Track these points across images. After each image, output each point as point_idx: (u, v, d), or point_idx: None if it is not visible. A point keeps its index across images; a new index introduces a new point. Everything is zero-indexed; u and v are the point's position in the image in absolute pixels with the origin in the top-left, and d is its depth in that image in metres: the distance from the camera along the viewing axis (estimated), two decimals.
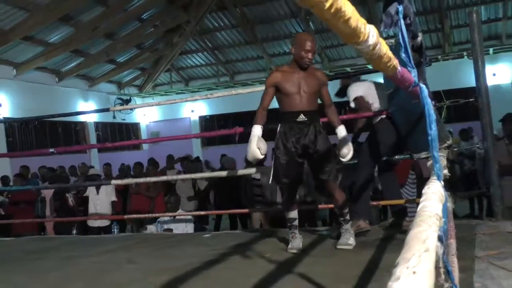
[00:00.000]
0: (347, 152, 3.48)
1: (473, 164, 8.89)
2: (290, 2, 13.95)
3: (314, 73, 3.60)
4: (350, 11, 0.84)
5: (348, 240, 3.56)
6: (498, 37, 14.20)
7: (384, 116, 4.07)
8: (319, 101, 3.66)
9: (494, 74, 13.66)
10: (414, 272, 0.61)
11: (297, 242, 3.65)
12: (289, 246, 3.63)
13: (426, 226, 0.83)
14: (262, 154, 3.55)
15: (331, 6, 0.75)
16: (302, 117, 3.53)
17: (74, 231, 7.38)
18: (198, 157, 9.93)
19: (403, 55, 1.67)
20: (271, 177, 3.66)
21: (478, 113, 4.08)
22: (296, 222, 3.74)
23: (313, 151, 3.52)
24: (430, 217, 0.90)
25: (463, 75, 13.35)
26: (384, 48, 1.22)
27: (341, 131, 3.55)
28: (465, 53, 13.50)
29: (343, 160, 3.52)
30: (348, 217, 3.64)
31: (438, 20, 14.01)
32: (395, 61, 1.45)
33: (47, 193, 8.10)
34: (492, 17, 13.80)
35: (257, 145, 3.54)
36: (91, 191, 7.90)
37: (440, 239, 0.87)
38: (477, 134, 10.01)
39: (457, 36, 14.61)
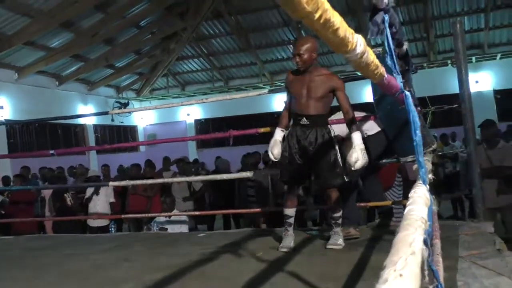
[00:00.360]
0: (354, 161, 3.26)
1: (454, 166, 8.94)
2: (283, 11, 13.97)
3: (324, 77, 3.51)
4: (338, 21, 0.84)
5: (337, 241, 3.55)
6: (480, 46, 14.30)
7: (379, 129, 4.01)
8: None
9: (476, 82, 13.75)
10: (400, 275, 0.61)
11: (288, 240, 3.63)
12: (281, 244, 3.62)
13: (412, 230, 0.83)
14: (275, 158, 3.55)
15: (320, 17, 0.75)
16: (304, 121, 3.54)
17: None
18: (196, 159, 9.89)
19: (388, 61, 1.67)
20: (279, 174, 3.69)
21: (461, 118, 4.09)
22: (290, 220, 3.71)
23: (311, 155, 3.48)
24: (416, 220, 0.89)
25: (447, 82, 13.42)
26: (371, 56, 1.22)
27: (354, 138, 3.35)
28: (449, 61, 13.57)
29: (352, 168, 3.32)
30: (339, 221, 3.62)
31: (424, 30, 14.09)
32: (381, 69, 1.45)
33: (47, 193, 8.05)
34: (475, 27, 13.91)
35: (271, 149, 3.53)
36: (91, 192, 7.85)
37: (425, 242, 0.87)
38: (460, 138, 10.07)
39: (442, 45, 14.70)
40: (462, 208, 8.49)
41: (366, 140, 3.65)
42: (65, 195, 7.67)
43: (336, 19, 0.83)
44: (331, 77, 3.53)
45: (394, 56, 1.78)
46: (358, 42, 1.03)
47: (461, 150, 6.31)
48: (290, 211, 3.72)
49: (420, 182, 1.57)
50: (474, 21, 13.75)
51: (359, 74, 4.18)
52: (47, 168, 9.81)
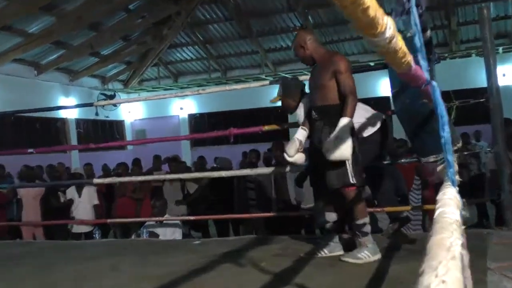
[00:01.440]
0: (327, 149, 3.22)
1: (478, 168, 8.94)
2: None
3: (326, 61, 3.53)
4: None
5: (359, 253, 3.44)
6: (508, 35, 14.27)
7: (376, 129, 3.97)
8: None
9: (504, 75, 13.71)
10: (443, 281, 0.60)
11: (330, 246, 3.65)
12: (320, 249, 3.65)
13: (448, 233, 0.82)
14: (289, 157, 3.60)
15: None
16: (314, 114, 3.55)
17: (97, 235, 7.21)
18: (202, 156, 9.84)
19: (416, 43, 1.66)
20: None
21: (487, 115, 4.08)
22: (329, 226, 3.71)
23: (319, 151, 3.44)
24: (451, 223, 0.89)
25: (471, 74, 13.43)
26: (400, 42, 1.21)
27: (339, 123, 3.28)
28: (473, 52, 13.56)
29: (328, 158, 3.25)
30: (365, 229, 3.49)
31: (444, 16, 14.06)
32: (409, 57, 1.44)
33: (25, 194, 8.04)
34: (502, 14, 13.87)
35: (287, 148, 3.59)
36: (72, 194, 7.85)
37: (463, 246, 0.86)
38: (485, 137, 10.06)
39: (465, 34, 14.66)
40: (485, 215, 8.48)
41: (360, 142, 3.61)
42: (59, 193, 7.72)
43: None
44: (331, 59, 3.52)
45: (422, 38, 1.77)
46: (388, 24, 1.02)
47: (488, 149, 6.29)
48: (327, 216, 3.71)
49: (449, 183, 1.56)
50: (501, 8, 13.72)
51: (372, 64, 4.16)
52: (26, 166, 9.75)
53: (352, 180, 3.42)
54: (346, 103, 3.37)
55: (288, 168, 4.65)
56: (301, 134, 3.64)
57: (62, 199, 7.81)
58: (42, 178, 9.18)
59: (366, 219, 3.51)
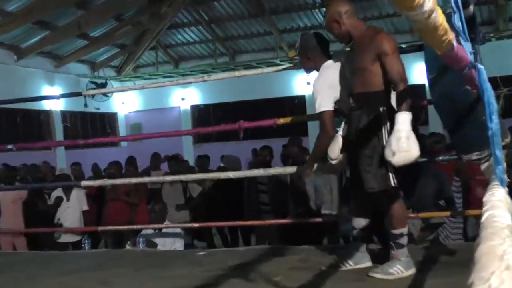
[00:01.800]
0: (391, 153, 3.14)
1: None
2: None
3: (368, 40, 3.45)
4: None
5: (390, 268, 3.41)
6: None
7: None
8: None
9: None
10: None
11: (357, 257, 3.65)
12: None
13: (500, 240, 0.80)
14: (332, 159, 3.56)
15: None
16: (351, 102, 3.54)
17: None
18: (206, 155, 9.84)
19: (456, 22, 1.64)
20: None
21: None
22: (356, 233, 3.70)
23: (352, 146, 3.49)
24: (502, 229, 0.87)
25: None
26: (440, 17, 1.19)
27: (398, 120, 3.19)
28: None
29: (392, 164, 3.22)
30: (402, 240, 3.46)
31: None
32: (451, 35, 1.42)
33: (3, 198, 8.08)
34: None
35: (330, 150, 3.57)
36: (58, 197, 7.89)
37: None
38: None
39: None
40: None
41: None
42: (46, 196, 7.77)
43: None
44: (374, 38, 3.43)
45: (463, 15, 1.75)
46: None
47: None
48: (355, 222, 3.71)
49: (497, 183, 1.54)
50: None
51: (405, 47, 4.12)
52: (4, 165, 9.80)
53: (393, 182, 3.38)
54: (399, 94, 3.31)
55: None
56: (344, 130, 3.62)
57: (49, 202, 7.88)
58: (27, 179, 9.22)
59: (405, 230, 3.48)
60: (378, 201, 3.53)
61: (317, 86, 3.71)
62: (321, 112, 3.66)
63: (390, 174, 3.35)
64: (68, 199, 7.79)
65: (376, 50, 3.38)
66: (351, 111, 3.54)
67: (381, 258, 3.60)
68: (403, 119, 3.18)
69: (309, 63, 3.92)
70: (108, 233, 7.83)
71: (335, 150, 3.52)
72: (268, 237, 7.07)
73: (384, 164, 3.32)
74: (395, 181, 3.37)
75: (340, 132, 3.59)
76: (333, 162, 3.56)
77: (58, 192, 7.90)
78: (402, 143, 3.11)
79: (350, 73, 3.57)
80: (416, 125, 3.99)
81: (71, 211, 7.77)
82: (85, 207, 7.99)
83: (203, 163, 9.22)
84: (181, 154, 10.86)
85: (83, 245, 7.22)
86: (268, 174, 5.53)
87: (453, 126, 3.90)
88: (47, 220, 7.65)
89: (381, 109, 3.40)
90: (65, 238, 7.75)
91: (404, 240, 3.47)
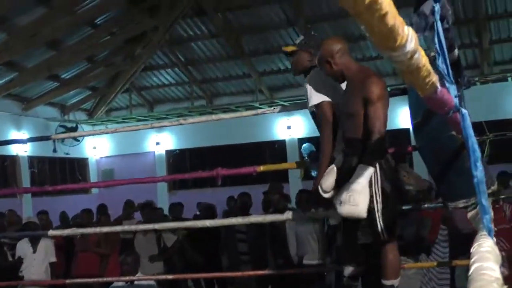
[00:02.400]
0: (338, 202, 3.27)
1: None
2: (286, 7, 14.15)
3: (359, 83, 3.51)
4: (387, 3, 0.82)
5: None
6: None
7: None
8: None
9: None
10: None
11: None
12: None
13: None
14: (323, 192, 3.51)
15: None
16: (344, 148, 3.58)
17: None
18: (179, 203, 9.80)
19: (440, 65, 1.67)
20: None
21: None
22: (346, 281, 3.64)
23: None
24: (491, 282, 0.87)
25: (506, 102, 13.55)
26: (423, 58, 1.21)
27: (358, 172, 3.28)
28: (509, 75, 13.69)
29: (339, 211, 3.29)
30: None
31: (475, 33, 14.24)
32: (434, 77, 1.44)
33: None
34: None
35: (323, 182, 3.53)
36: (24, 249, 7.73)
37: None
38: None
39: (499, 53, 14.83)
40: None
41: None
42: (5, 248, 7.59)
43: (385, 1, 0.81)
44: (364, 82, 3.47)
45: (448, 59, 1.78)
46: (409, 36, 1.02)
47: None
48: (347, 270, 3.68)
49: (485, 233, 1.55)
50: None
51: (389, 90, 4.19)
52: None
53: (382, 235, 3.38)
54: (369, 146, 3.34)
55: (289, 215, 4.62)
56: (339, 162, 3.61)
57: (10, 255, 7.70)
58: None
59: (396, 282, 3.48)
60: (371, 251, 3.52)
61: (312, 82, 3.73)
62: (320, 103, 3.67)
63: (379, 225, 3.35)
64: (34, 251, 7.65)
65: (364, 94, 3.42)
66: (345, 156, 3.55)
67: None
68: (362, 172, 3.25)
69: (304, 60, 3.93)
70: (77, 285, 7.69)
71: (329, 182, 3.49)
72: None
73: (371, 214, 3.34)
74: (385, 234, 3.37)
75: (336, 164, 3.57)
76: (326, 195, 3.52)
77: (24, 243, 7.76)
78: (352, 196, 3.18)
79: (341, 113, 3.60)
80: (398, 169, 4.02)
81: (37, 263, 7.61)
82: (53, 259, 7.84)
83: (179, 209, 9.17)
84: (154, 202, 10.78)
85: None
86: (247, 222, 5.50)
87: (439, 172, 3.93)
88: (8, 275, 7.48)
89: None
90: None
91: None
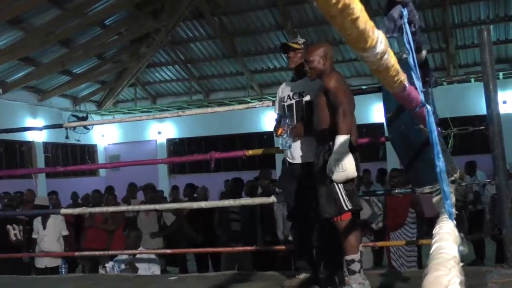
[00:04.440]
0: (330, 172, 3.31)
1: (474, 204, 9.02)
2: (276, 12, 14.13)
3: (323, 80, 3.64)
4: (359, 9, 0.82)
5: None
6: (509, 60, 14.53)
7: None
8: None
9: (504, 102, 13.90)
10: None
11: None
12: None
13: (445, 270, 0.80)
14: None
15: (338, 0, 0.74)
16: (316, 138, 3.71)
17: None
18: (176, 186, 9.82)
19: (410, 61, 1.66)
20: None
21: (485, 144, 4.10)
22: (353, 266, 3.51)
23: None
24: (449, 260, 0.87)
25: (469, 101, 13.60)
26: (392, 59, 1.21)
27: (336, 142, 3.35)
28: (472, 77, 13.74)
29: (334, 179, 3.33)
30: (353, 267, 3.42)
31: (442, 39, 14.29)
32: (402, 76, 1.44)
33: None
34: (503, 38, 14.14)
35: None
36: (37, 226, 7.71)
37: (462, 285, 0.84)
38: (482, 168, 10.08)
39: (463, 57, 14.91)
40: (482, 252, 8.48)
41: None
42: (8, 227, 7.52)
43: (357, 5, 0.81)
44: (324, 79, 3.60)
45: (415, 57, 1.78)
46: (379, 39, 1.02)
47: (488, 181, 6.32)
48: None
49: (446, 216, 1.55)
50: (502, 31, 13.99)
51: (365, 88, 4.20)
52: None
53: (346, 206, 3.39)
54: (337, 118, 3.40)
55: (275, 199, 4.63)
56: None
57: (13, 234, 7.58)
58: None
59: (356, 256, 3.45)
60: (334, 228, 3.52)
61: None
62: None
63: (342, 198, 3.38)
64: (44, 227, 7.61)
65: (322, 87, 3.57)
66: (317, 145, 3.61)
67: (332, 283, 3.60)
68: (341, 141, 3.32)
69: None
70: (85, 258, 7.68)
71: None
72: (238, 263, 6.99)
73: (334, 188, 3.37)
74: (349, 204, 3.38)
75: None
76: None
77: (36, 220, 7.73)
78: (339, 164, 3.26)
79: (315, 107, 3.66)
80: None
81: (49, 238, 7.58)
82: (65, 232, 7.82)
83: (176, 192, 9.18)
84: (154, 184, 10.74)
85: (60, 270, 7.08)
86: (238, 204, 5.50)
87: (408, 161, 3.93)
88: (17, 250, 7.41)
89: (331, 143, 3.45)
90: (43, 263, 7.53)
91: (356, 267, 3.43)
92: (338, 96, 3.45)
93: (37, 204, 8.14)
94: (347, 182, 3.37)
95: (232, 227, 7.14)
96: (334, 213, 3.40)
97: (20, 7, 11.01)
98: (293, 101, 3.91)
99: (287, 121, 3.81)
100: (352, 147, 3.39)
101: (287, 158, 3.94)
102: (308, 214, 3.84)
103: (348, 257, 3.44)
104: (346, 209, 3.39)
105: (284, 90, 4.06)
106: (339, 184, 3.36)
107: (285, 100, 3.97)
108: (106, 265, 5.91)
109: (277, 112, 4.11)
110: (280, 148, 3.90)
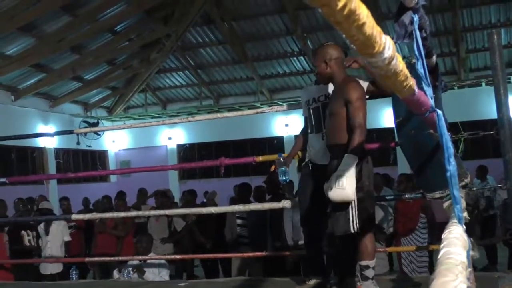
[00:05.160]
0: (328, 188, 3.23)
1: (486, 209, 8.97)
2: (286, 18, 14.14)
3: (342, 87, 3.51)
4: (365, 15, 0.82)
5: None
6: None
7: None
8: None
9: None
10: None
11: None
12: None
13: (452, 276, 0.80)
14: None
15: (344, 6, 0.74)
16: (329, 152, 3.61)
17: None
18: (189, 190, 9.79)
19: (419, 69, 1.66)
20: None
21: (496, 148, 4.07)
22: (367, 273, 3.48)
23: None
24: (456, 265, 0.87)
25: (480, 105, 13.51)
26: (400, 64, 1.20)
27: (344, 161, 3.26)
28: (483, 81, 13.67)
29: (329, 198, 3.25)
30: (367, 273, 3.41)
31: (453, 43, 14.23)
32: (411, 81, 1.43)
33: None
34: None
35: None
36: (41, 231, 7.70)
37: None
38: (491, 173, 10.00)
39: (474, 61, 14.83)
40: (494, 257, 8.42)
41: None
42: (23, 232, 7.54)
43: (363, 11, 0.81)
44: (345, 86, 3.48)
45: (425, 64, 1.77)
46: (386, 44, 1.02)
47: (499, 186, 6.27)
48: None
49: (455, 221, 1.54)
50: None
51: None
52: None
53: (353, 228, 3.31)
54: (353, 138, 3.32)
55: (285, 204, 4.62)
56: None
57: (27, 240, 7.61)
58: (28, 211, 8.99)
59: (371, 263, 3.43)
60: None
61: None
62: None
63: (351, 219, 3.32)
64: (47, 233, 7.62)
65: (344, 97, 3.43)
66: (330, 160, 3.53)
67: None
68: (349, 161, 3.24)
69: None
70: (96, 264, 7.69)
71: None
72: (249, 269, 6.97)
73: (346, 208, 3.32)
74: (357, 226, 3.31)
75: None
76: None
77: (40, 226, 7.74)
78: (340, 181, 3.17)
79: (327, 116, 3.60)
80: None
81: (51, 244, 7.59)
82: (67, 238, 7.81)
83: (188, 198, 9.14)
84: (170, 191, 10.75)
85: (71, 276, 7.08)
86: (248, 209, 5.49)
87: (418, 167, 3.92)
88: (27, 255, 7.45)
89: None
90: (47, 269, 7.52)
91: (370, 273, 3.41)
92: (358, 115, 3.37)
93: (42, 208, 8.15)
94: (360, 201, 3.33)
95: (241, 233, 7.12)
96: (341, 232, 3.37)
97: (32, 14, 11.09)
98: (319, 104, 3.88)
99: (281, 158, 3.88)
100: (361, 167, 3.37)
101: (309, 160, 3.90)
102: (321, 219, 3.80)
103: (363, 263, 3.42)
104: (353, 231, 3.32)
105: (308, 93, 4.01)
106: (352, 204, 3.33)
107: (310, 103, 3.92)
108: (122, 270, 5.91)
109: (305, 115, 4.05)
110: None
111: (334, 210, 3.37)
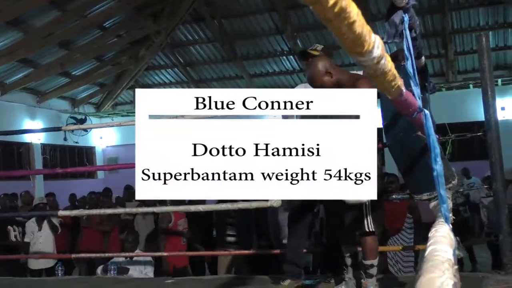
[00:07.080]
0: None
1: (465, 210, 9.13)
2: (276, 17, 14.16)
3: (352, 86, 3.43)
4: (355, 13, 0.83)
5: None
6: (507, 66, 14.56)
7: None
8: None
9: (503, 108, 13.89)
10: None
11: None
12: None
13: (439, 272, 0.81)
14: None
15: (335, 4, 0.75)
16: None
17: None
18: None
19: (408, 68, 1.67)
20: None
21: (482, 150, 4.11)
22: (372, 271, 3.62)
23: None
24: (443, 262, 0.88)
25: (468, 107, 13.61)
26: (389, 63, 1.21)
27: None
28: (471, 83, 13.77)
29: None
30: (371, 271, 3.54)
31: (441, 45, 14.33)
32: (400, 81, 1.45)
33: None
34: (501, 44, 14.17)
35: None
36: (32, 227, 7.69)
37: (455, 287, 0.85)
38: (478, 174, 10.12)
39: (462, 64, 14.94)
40: (472, 258, 8.58)
41: None
42: (9, 227, 7.51)
43: (353, 9, 0.82)
44: (356, 84, 3.41)
45: (414, 63, 1.79)
46: (375, 43, 1.03)
47: (486, 187, 6.35)
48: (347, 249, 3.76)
49: (442, 220, 1.56)
50: (501, 37, 14.03)
51: None
52: None
53: (368, 228, 3.48)
54: None
55: (272, 202, 4.62)
56: None
57: (13, 236, 7.58)
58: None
59: (375, 261, 3.56)
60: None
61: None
62: None
63: (366, 220, 3.43)
64: (40, 229, 7.61)
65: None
66: None
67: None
68: None
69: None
70: (82, 260, 7.68)
71: None
72: (235, 266, 6.98)
73: (360, 208, 3.41)
74: (372, 227, 3.44)
75: None
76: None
77: (31, 222, 7.72)
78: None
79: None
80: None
81: (43, 239, 7.58)
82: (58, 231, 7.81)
83: None
84: None
85: (56, 272, 7.06)
86: (236, 208, 5.49)
87: (406, 168, 3.94)
88: (13, 250, 7.43)
89: None
90: (38, 264, 7.52)
91: (374, 271, 3.54)
92: None
93: (38, 203, 8.15)
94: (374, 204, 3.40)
95: (228, 231, 7.13)
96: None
97: (20, 8, 11.01)
98: None
99: None
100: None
101: None
102: (309, 218, 3.86)
103: (368, 262, 3.54)
104: (368, 230, 3.49)
105: None
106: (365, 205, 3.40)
107: None
108: (106, 267, 5.89)
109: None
110: None
111: (347, 210, 3.44)
